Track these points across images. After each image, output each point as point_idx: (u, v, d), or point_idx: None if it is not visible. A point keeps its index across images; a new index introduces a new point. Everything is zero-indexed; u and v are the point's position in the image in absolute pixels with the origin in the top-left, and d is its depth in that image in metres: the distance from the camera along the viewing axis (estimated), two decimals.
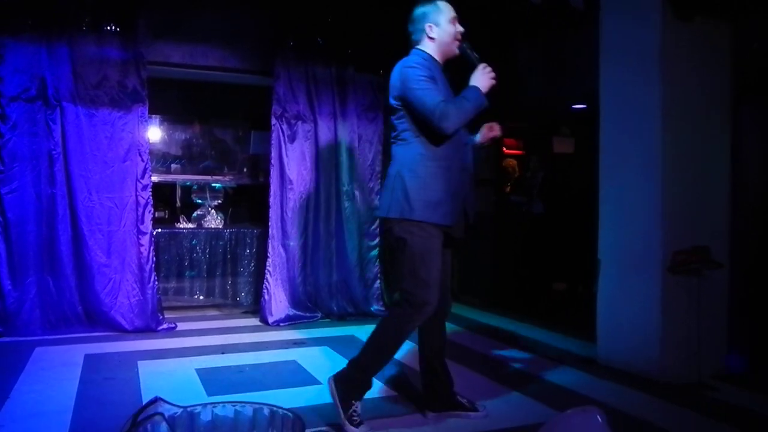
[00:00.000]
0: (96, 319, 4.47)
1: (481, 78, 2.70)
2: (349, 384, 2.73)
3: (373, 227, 5.36)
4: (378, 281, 5.38)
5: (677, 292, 3.61)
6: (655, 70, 3.63)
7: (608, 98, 3.99)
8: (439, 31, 2.73)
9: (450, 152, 2.70)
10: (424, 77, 2.62)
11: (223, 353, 4.06)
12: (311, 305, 5.14)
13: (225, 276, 5.28)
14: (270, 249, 4.97)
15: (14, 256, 4.29)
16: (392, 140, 2.82)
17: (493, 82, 2.72)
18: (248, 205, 6.16)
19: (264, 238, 5.13)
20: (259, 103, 5.55)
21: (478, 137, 2.94)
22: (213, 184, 5.64)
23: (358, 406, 2.71)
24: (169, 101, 5.79)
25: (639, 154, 3.74)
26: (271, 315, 4.90)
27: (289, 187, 5.02)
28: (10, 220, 4.27)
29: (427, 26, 2.73)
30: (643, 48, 3.71)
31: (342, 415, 2.67)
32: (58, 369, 3.57)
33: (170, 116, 6.01)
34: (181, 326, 4.75)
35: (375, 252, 5.37)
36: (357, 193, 5.28)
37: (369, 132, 5.36)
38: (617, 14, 3.92)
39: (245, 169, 6.05)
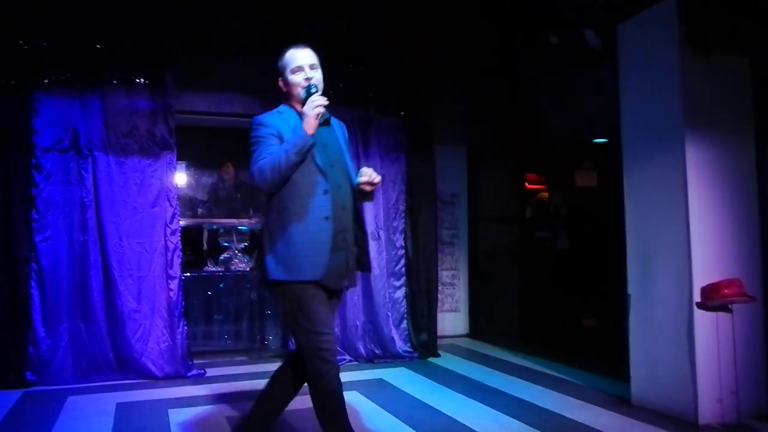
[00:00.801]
0: (127, 366, 4.50)
1: (307, 109, 2.47)
2: None
3: (399, 267, 5.36)
4: (405, 322, 5.35)
5: (710, 328, 3.54)
6: (676, 104, 3.63)
7: (630, 132, 4.01)
8: (285, 84, 2.67)
9: (309, 201, 2.50)
10: (255, 136, 2.54)
11: (252, 400, 4.04)
12: (339, 348, 5.12)
13: (252, 319, 5.31)
14: None
15: (48, 302, 4.37)
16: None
17: (319, 110, 2.47)
18: None
19: None
20: None
21: (357, 180, 2.65)
22: (239, 227, 5.72)
23: None
24: (196, 147, 5.93)
25: (664, 187, 3.72)
26: None
27: None
28: (44, 267, 4.36)
29: (280, 82, 2.69)
30: (662, 83, 3.73)
31: None
32: (91, 419, 3.59)
33: (197, 162, 6.14)
34: (210, 372, 4.76)
35: (401, 292, 5.36)
36: (381, 232, 5.30)
37: (392, 172, 5.41)
38: (635, 51, 3.96)
39: None
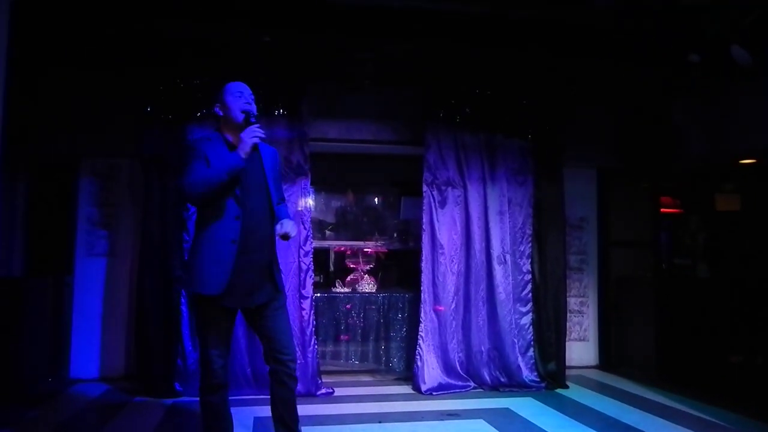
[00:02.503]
0: (263, 382, 4.67)
1: (245, 140, 2.83)
2: None
3: (525, 292, 5.25)
4: (532, 349, 5.21)
5: None
6: None
7: None
8: (224, 109, 2.94)
9: (220, 224, 2.80)
10: (187, 156, 2.82)
11: (380, 422, 4.11)
12: (463, 374, 5.08)
13: (378, 341, 5.40)
14: (422, 314, 5.03)
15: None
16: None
17: (257, 139, 2.86)
18: (397, 269, 6.31)
19: (415, 302, 5.21)
20: (408, 171, 5.77)
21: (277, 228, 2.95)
22: (365, 249, 5.87)
23: None
24: (324, 172, 6.19)
25: None
26: (424, 383, 4.91)
27: (440, 251, 5.09)
28: None
29: (217, 107, 2.98)
30: None
31: None
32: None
33: (325, 186, 6.41)
34: (338, 391, 4.89)
35: (528, 318, 5.23)
36: (507, 257, 5.22)
37: (519, 195, 5.33)
38: None
39: (395, 234, 6.24)
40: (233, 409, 4.29)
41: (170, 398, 4.56)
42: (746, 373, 5.58)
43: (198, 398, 2.99)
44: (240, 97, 2.94)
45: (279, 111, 4.97)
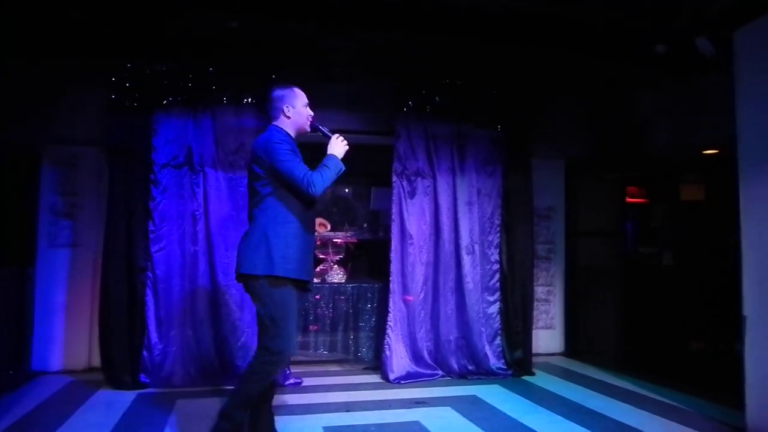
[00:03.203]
0: (230, 372, 4.71)
1: (337, 147, 3.24)
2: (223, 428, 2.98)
3: (493, 281, 5.30)
4: (499, 338, 5.27)
5: None
6: None
7: (747, 143, 3.78)
8: (294, 113, 3.22)
9: (304, 216, 3.12)
10: (288, 151, 3.06)
11: (348, 411, 4.12)
12: (432, 362, 5.12)
13: (347, 331, 5.40)
14: (391, 304, 5.05)
15: (160, 310, 4.66)
16: (255, 203, 3.13)
17: (347, 147, 3.26)
18: (367, 260, 6.31)
19: (384, 292, 5.22)
20: (379, 161, 5.74)
21: None
22: (335, 240, 5.85)
23: None
24: None
25: None
26: (392, 372, 4.93)
27: (410, 242, 5.11)
28: (158, 276, 4.66)
29: (285, 107, 3.20)
30: None
31: None
32: (200, 422, 3.74)
33: None
34: (307, 381, 4.89)
35: (496, 307, 5.28)
36: (476, 247, 5.26)
37: (488, 186, 5.36)
38: (755, 58, 3.73)
39: (365, 225, 6.24)
40: (201, 400, 4.32)
41: (135, 390, 4.50)
42: (707, 358, 5.74)
43: (254, 369, 3.03)
44: (307, 107, 3.29)
45: (248, 99, 4.91)
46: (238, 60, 4.85)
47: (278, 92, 3.24)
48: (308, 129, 3.30)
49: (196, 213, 4.76)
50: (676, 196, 7.05)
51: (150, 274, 4.65)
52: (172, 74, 4.74)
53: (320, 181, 3.04)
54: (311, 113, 3.29)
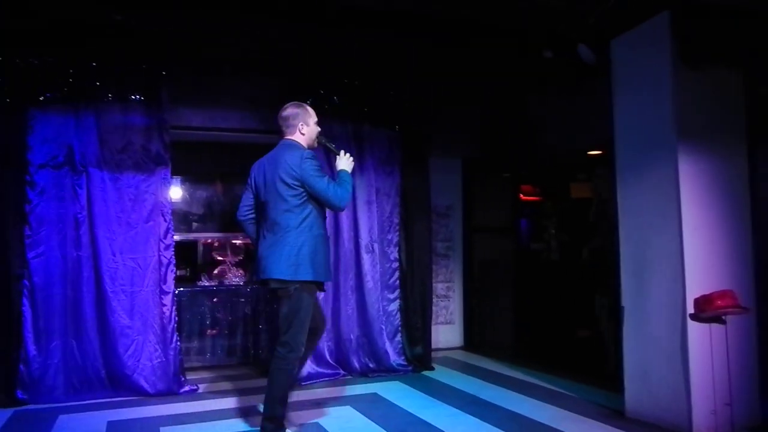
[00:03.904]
0: (119, 383, 4.48)
1: (347, 163, 3.56)
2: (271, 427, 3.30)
3: (393, 279, 5.36)
4: (399, 335, 5.34)
5: (703, 339, 3.55)
6: (669, 117, 3.67)
7: (623, 145, 4.04)
8: (308, 129, 3.52)
9: (325, 223, 3.48)
10: (318, 167, 3.38)
11: (245, 416, 4.03)
12: (333, 362, 5.11)
13: (246, 334, 5.29)
14: None
15: (39, 320, 4.35)
16: (281, 211, 3.34)
17: (353, 163, 3.60)
18: None
19: None
20: None
21: None
22: (233, 241, 5.72)
23: None
24: (190, 162, 5.93)
25: (657, 198, 3.75)
26: None
27: None
28: (36, 284, 4.35)
29: (300, 125, 3.49)
30: (655, 96, 3.77)
31: None
32: None
33: (191, 176, 6.15)
34: (203, 388, 4.74)
35: (396, 304, 5.35)
36: (375, 245, 5.30)
37: (386, 185, 5.42)
38: (629, 65, 4.00)
39: None
40: (86, 414, 4.08)
41: (11, 408, 4.17)
42: (591, 345, 6.09)
43: (280, 365, 3.32)
44: (316, 124, 3.59)
45: (136, 96, 4.68)
46: (124, 55, 4.60)
47: (293, 110, 3.50)
48: (316, 144, 3.59)
49: (79, 216, 4.47)
50: (567, 193, 7.44)
51: (27, 282, 4.33)
52: (50, 68, 4.43)
53: (347, 196, 3.42)
54: (319, 129, 3.59)
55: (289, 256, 3.26)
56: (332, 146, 3.64)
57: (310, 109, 3.57)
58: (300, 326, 3.29)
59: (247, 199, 3.60)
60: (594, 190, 5.60)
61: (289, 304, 3.29)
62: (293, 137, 3.49)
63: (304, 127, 3.50)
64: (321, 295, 5.03)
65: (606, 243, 5.19)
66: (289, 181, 3.30)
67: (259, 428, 3.40)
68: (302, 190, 3.31)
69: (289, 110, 3.50)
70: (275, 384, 3.30)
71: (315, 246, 3.32)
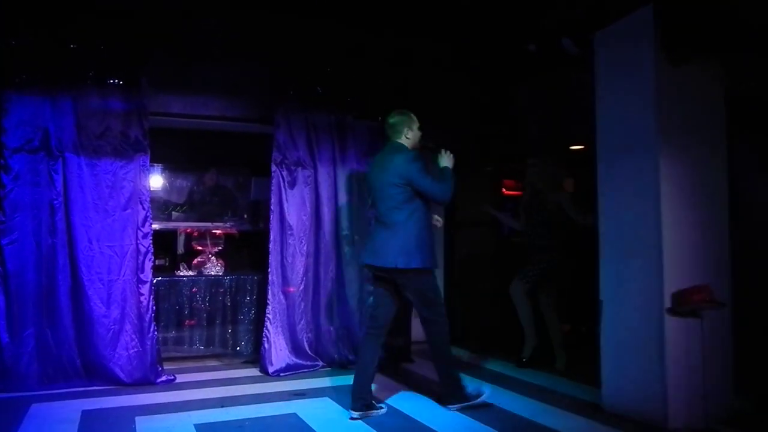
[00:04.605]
0: (94, 372, 4.41)
1: (447, 160, 3.98)
2: (457, 391, 3.93)
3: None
4: None
5: (680, 333, 3.58)
6: (650, 112, 3.68)
7: (604, 139, 4.04)
8: (412, 134, 3.96)
9: (430, 217, 3.92)
10: (423, 167, 3.79)
11: (222, 406, 3.99)
12: (312, 353, 5.08)
13: (225, 324, 5.24)
14: (270, 295, 4.94)
15: (13, 307, 4.25)
16: (394, 207, 3.77)
17: (454, 160, 3.99)
18: (249, 251, 6.15)
19: (264, 284, 5.10)
20: (260, 150, 5.61)
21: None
22: (213, 231, 5.65)
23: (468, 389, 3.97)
24: (171, 150, 5.86)
25: (637, 194, 3.76)
26: (272, 365, 4.84)
27: (289, 232, 5.02)
28: (10, 271, 4.25)
29: (405, 130, 3.93)
30: (637, 91, 3.77)
31: (472, 402, 3.90)
32: (55, 426, 3.51)
33: (172, 164, 6.07)
34: (180, 378, 4.68)
35: None
36: (356, 237, 5.27)
37: None
38: (611, 60, 4.00)
39: (246, 216, 6.07)
40: (60, 403, 4.01)
41: None
42: (573, 340, 6.12)
43: (435, 338, 3.95)
44: (419, 128, 4.01)
45: (115, 80, 4.59)
46: (104, 38, 4.50)
47: (398, 118, 3.94)
48: (418, 146, 3.99)
49: (55, 202, 4.37)
50: None
51: (0, 269, 4.24)
52: (27, 49, 4.31)
53: (451, 191, 3.85)
54: (421, 132, 4.00)
55: (402, 248, 3.70)
56: (432, 146, 4.10)
57: (413, 116, 3.97)
58: (437, 299, 3.89)
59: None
60: (527, 180, 5.60)
61: (411, 290, 3.82)
62: (400, 140, 3.94)
63: (408, 132, 3.93)
64: (301, 287, 5.06)
65: (532, 237, 5.26)
66: (398, 181, 3.75)
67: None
68: (409, 188, 3.74)
69: (396, 118, 3.94)
70: (439, 355, 3.93)
71: (431, 237, 3.85)
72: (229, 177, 6.32)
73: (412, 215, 3.77)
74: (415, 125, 3.97)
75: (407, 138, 3.94)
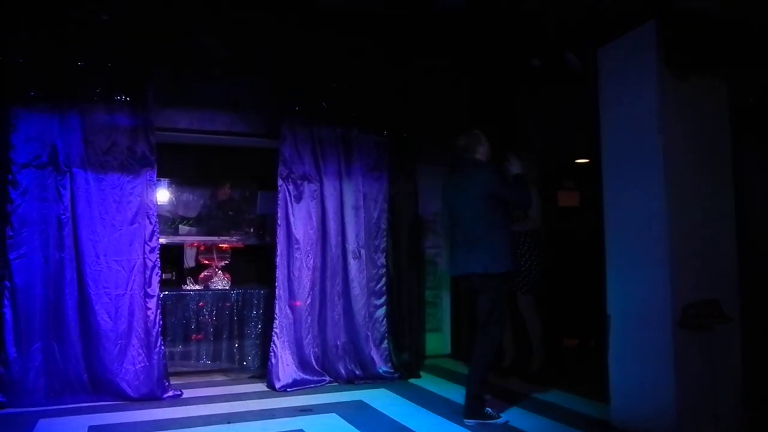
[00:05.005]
0: (101, 387, 4.40)
1: (518, 167, 4.22)
2: (480, 407, 3.98)
3: (380, 285, 5.32)
4: (386, 341, 5.29)
5: (690, 348, 3.54)
6: (655, 125, 3.67)
7: (610, 153, 4.04)
8: (483, 149, 4.21)
9: (509, 224, 4.21)
10: (503, 180, 4.10)
11: (229, 422, 3.97)
12: (319, 368, 5.06)
13: (232, 339, 5.23)
14: (277, 310, 4.94)
15: (20, 322, 4.26)
16: (477, 218, 4.01)
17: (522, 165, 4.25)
18: (255, 265, 6.16)
19: (271, 298, 5.10)
20: (265, 165, 5.64)
21: None
22: (220, 245, 5.66)
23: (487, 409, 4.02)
24: (178, 164, 5.89)
25: (643, 207, 3.74)
26: (278, 380, 4.82)
27: (296, 246, 5.03)
28: (18, 286, 4.27)
29: (478, 146, 4.19)
30: (641, 104, 3.77)
31: (488, 421, 3.94)
32: None
33: (178, 179, 6.10)
34: (187, 393, 4.67)
35: (382, 311, 5.30)
36: (363, 251, 5.27)
37: (374, 190, 5.39)
38: (615, 74, 4.01)
39: (252, 230, 6.08)
40: (66, 419, 4.01)
41: None
42: (581, 354, 6.09)
43: (484, 347, 4.04)
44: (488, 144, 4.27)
45: (121, 97, 4.63)
46: (110, 55, 4.54)
47: (468, 139, 4.20)
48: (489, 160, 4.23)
49: (63, 217, 4.40)
50: (555, 202, 7.45)
51: (8, 284, 4.24)
52: (34, 66, 4.36)
53: (529, 195, 4.13)
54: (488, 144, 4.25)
55: (485, 254, 3.94)
56: (525, 154, 4.54)
57: (481, 135, 4.23)
58: (499, 313, 4.02)
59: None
60: None
61: (488, 295, 3.99)
62: (477, 156, 4.18)
63: (480, 148, 4.19)
64: (308, 301, 5.05)
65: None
66: (481, 193, 3.99)
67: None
68: (492, 200, 3.98)
69: (464, 141, 4.20)
70: (479, 364, 4.00)
71: (507, 243, 4.05)
72: (235, 191, 6.34)
73: (496, 225, 4.01)
74: (484, 139, 4.22)
75: (482, 155, 4.18)
